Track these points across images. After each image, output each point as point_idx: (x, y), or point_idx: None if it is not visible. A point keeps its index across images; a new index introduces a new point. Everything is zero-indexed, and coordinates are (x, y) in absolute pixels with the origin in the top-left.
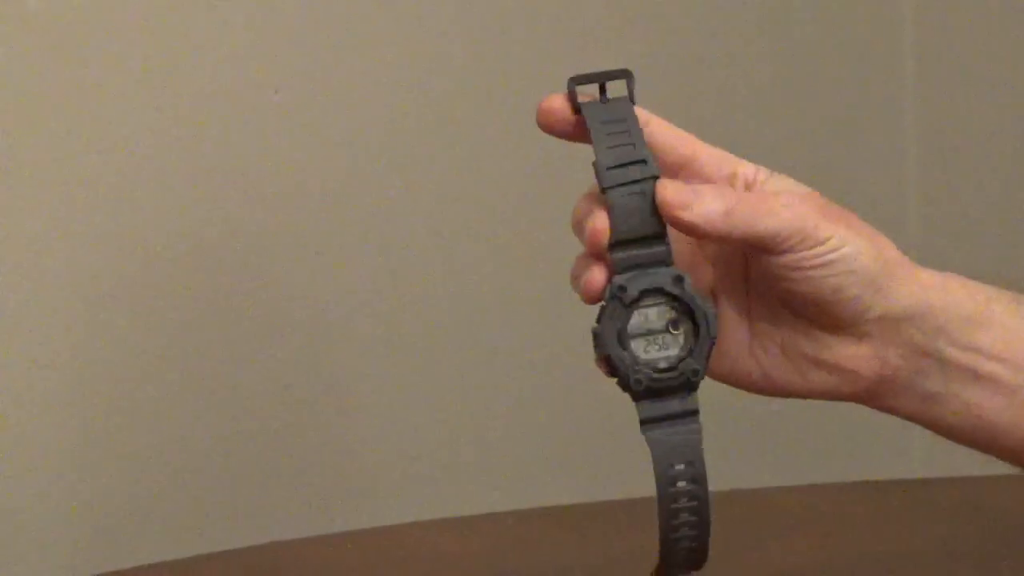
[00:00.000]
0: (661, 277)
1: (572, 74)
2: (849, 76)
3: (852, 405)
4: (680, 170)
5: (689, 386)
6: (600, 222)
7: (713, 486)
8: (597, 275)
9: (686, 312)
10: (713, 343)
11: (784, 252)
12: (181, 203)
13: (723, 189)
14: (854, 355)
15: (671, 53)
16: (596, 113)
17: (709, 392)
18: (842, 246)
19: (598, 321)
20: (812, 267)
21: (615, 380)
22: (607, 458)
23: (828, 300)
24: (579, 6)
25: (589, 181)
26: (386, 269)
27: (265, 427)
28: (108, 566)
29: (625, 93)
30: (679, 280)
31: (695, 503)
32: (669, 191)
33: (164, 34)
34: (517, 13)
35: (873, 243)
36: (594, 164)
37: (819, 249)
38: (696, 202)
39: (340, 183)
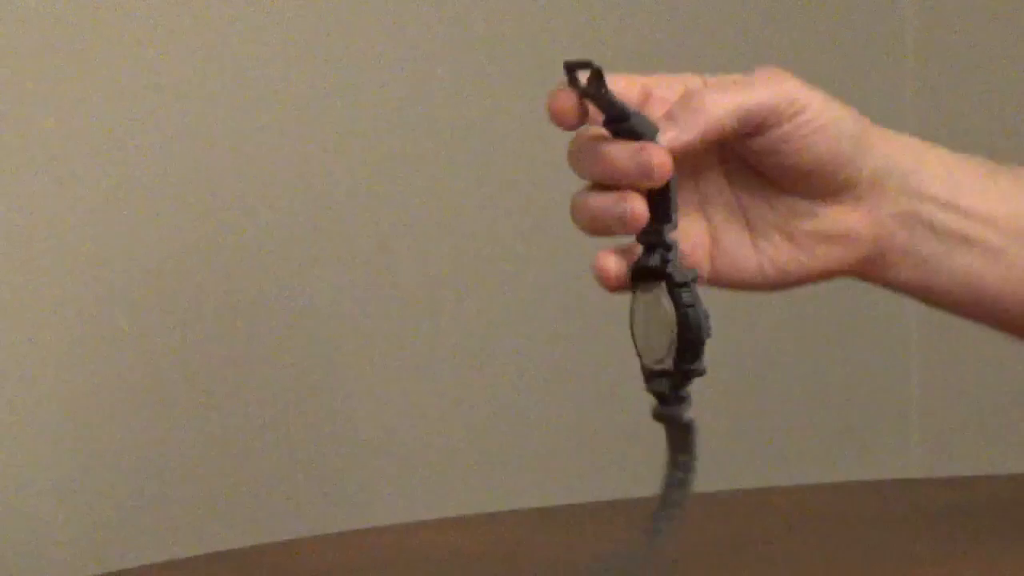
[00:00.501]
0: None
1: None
2: (849, 75)
3: (850, 407)
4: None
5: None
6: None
7: (712, 486)
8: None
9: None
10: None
11: (778, 124)
12: (182, 201)
13: (692, 94)
14: (853, 221)
15: (670, 52)
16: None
17: (708, 394)
18: (825, 111)
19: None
20: (804, 136)
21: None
22: (608, 458)
23: (825, 165)
24: (578, 6)
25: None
26: (388, 269)
27: (265, 427)
28: (108, 566)
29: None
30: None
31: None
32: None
33: (162, 34)
34: (516, 13)
35: (847, 108)
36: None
37: (805, 116)
38: (686, 122)
39: (339, 182)
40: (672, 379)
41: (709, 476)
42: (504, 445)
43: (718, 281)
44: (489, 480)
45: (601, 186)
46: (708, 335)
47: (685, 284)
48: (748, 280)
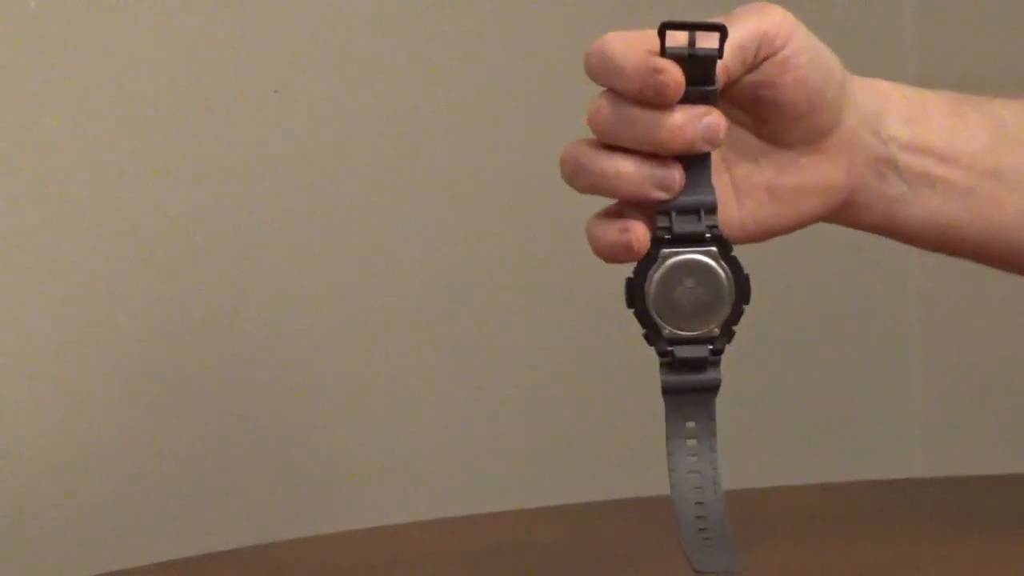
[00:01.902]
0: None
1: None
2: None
3: (851, 407)
4: None
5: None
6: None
7: None
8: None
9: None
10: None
11: (772, 53)
12: (178, 200)
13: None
14: (832, 170)
15: None
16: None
17: None
18: (810, 39)
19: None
20: (800, 63)
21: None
22: (607, 458)
23: (813, 102)
24: (575, 6)
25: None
26: (385, 268)
27: (264, 427)
28: (108, 566)
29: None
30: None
31: None
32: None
33: (161, 33)
34: (514, 13)
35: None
36: None
37: (797, 42)
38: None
39: (331, 180)
40: (716, 344)
41: None
42: (503, 445)
43: None
44: (488, 480)
45: (629, 152)
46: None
47: (733, 250)
48: (733, 239)
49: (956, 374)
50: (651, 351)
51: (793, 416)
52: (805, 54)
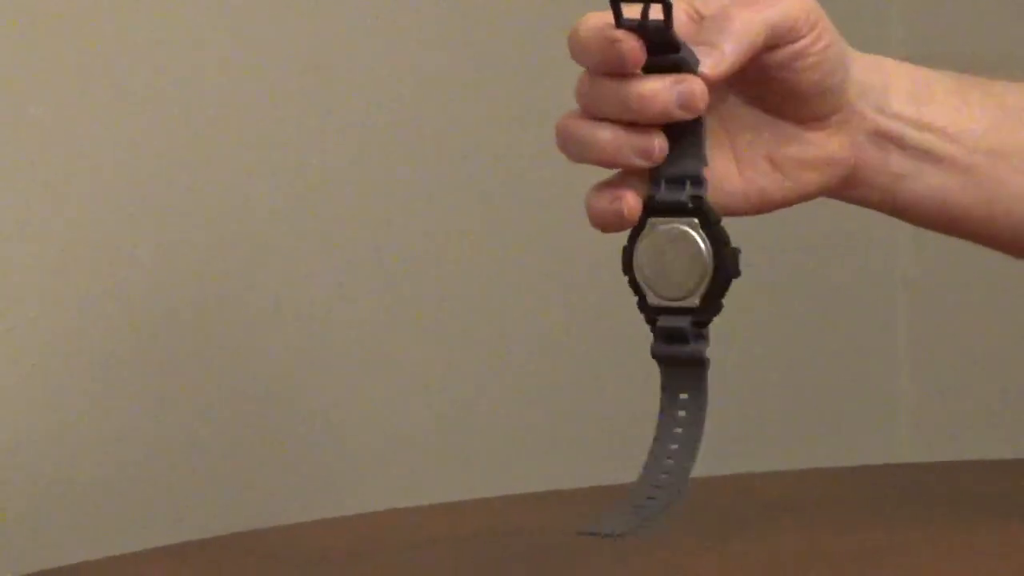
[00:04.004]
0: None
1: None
2: None
3: (840, 393)
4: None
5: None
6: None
7: (701, 472)
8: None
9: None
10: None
11: (797, 39)
12: (168, 189)
13: (719, 18)
14: (835, 145)
15: None
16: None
17: None
18: (832, 30)
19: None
20: (819, 51)
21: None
22: (597, 443)
23: (826, 87)
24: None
25: (573, 178)
26: (375, 255)
27: (257, 414)
28: (103, 553)
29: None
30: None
31: None
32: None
33: (153, 23)
34: (512, 12)
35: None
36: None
37: (820, 30)
38: (725, 48)
39: (324, 167)
40: (696, 315)
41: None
42: (495, 430)
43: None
44: (479, 465)
45: (612, 122)
46: (738, 274)
47: (719, 222)
48: (732, 207)
49: (943, 360)
50: (641, 334)
51: (781, 402)
52: (826, 41)
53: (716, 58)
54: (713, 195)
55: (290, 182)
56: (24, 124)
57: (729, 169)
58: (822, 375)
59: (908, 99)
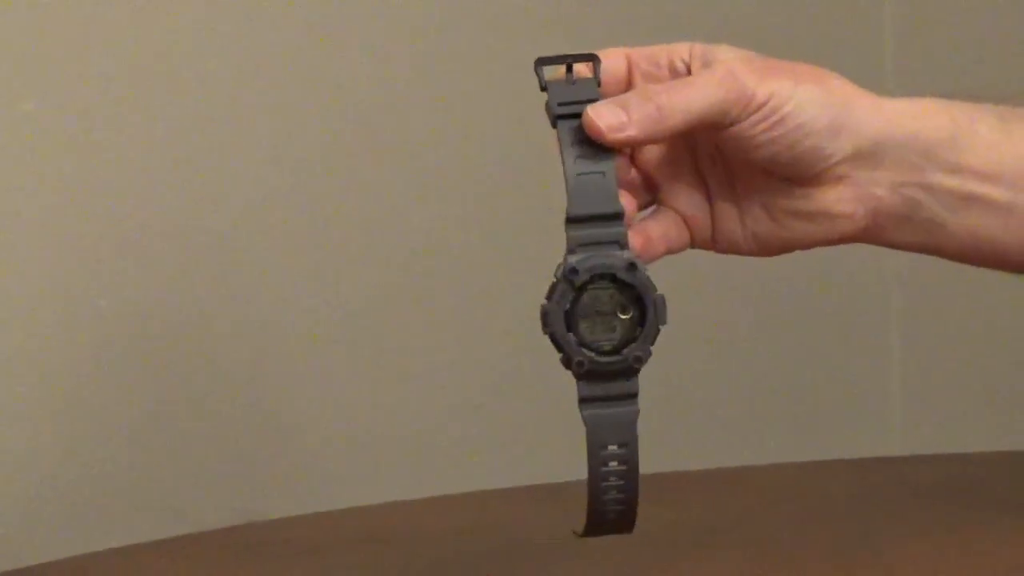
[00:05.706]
0: (615, 261)
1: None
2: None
3: (833, 385)
4: (627, 86)
5: (630, 371)
6: None
7: (694, 464)
8: None
9: (635, 299)
10: (658, 331)
11: (730, 124)
12: (160, 191)
13: (646, 90)
14: (838, 199)
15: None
16: (561, 93)
17: (687, 372)
18: (784, 104)
19: (547, 299)
20: (761, 132)
21: (559, 358)
22: (578, 439)
23: (790, 157)
24: (570, 6)
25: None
26: (359, 251)
27: (247, 409)
28: (94, 546)
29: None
30: (632, 267)
31: (623, 482)
32: (603, 115)
33: (155, 33)
34: (510, 12)
35: (822, 87)
36: (558, 140)
37: (762, 113)
38: (628, 116)
39: (312, 168)
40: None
41: (687, 454)
42: (486, 424)
43: (716, 246)
44: (471, 459)
45: None
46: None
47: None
48: (737, 248)
49: (935, 354)
50: None
51: (775, 396)
52: (771, 120)
53: (626, 131)
54: (720, 233)
55: (288, 182)
56: (23, 124)
57: (731, 211)
58: (815, 369)
59: (944, 144)
